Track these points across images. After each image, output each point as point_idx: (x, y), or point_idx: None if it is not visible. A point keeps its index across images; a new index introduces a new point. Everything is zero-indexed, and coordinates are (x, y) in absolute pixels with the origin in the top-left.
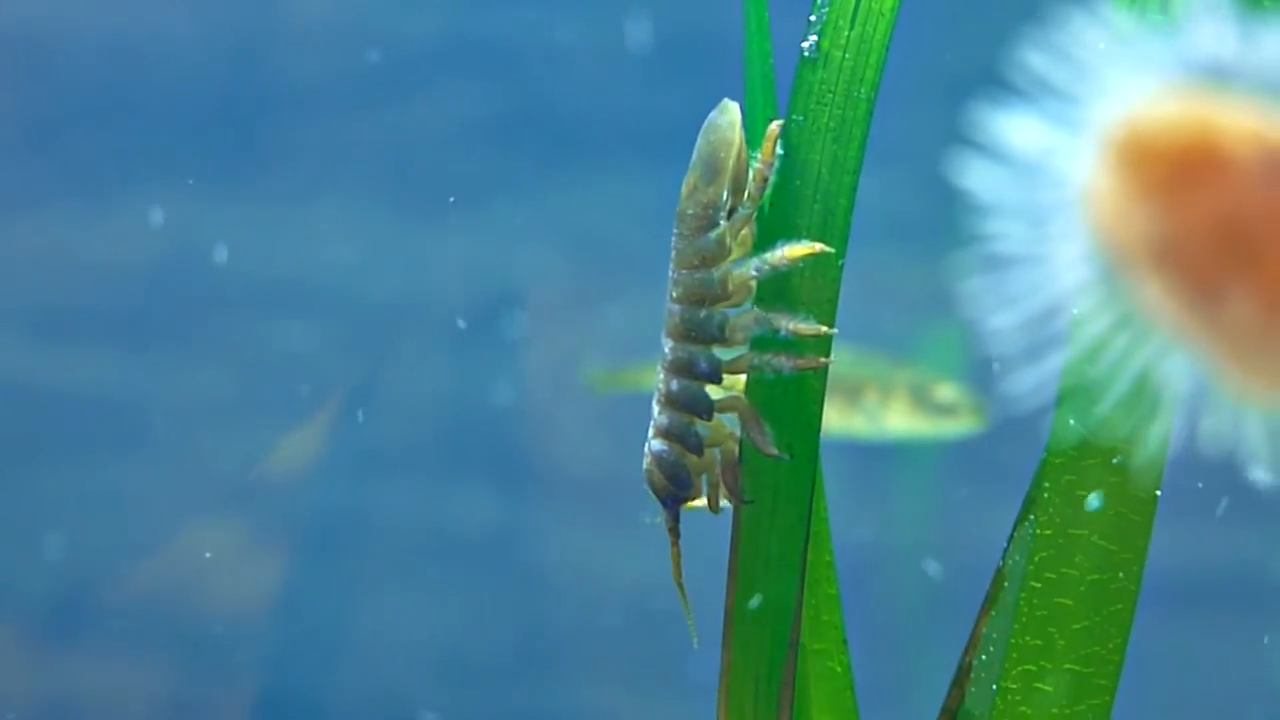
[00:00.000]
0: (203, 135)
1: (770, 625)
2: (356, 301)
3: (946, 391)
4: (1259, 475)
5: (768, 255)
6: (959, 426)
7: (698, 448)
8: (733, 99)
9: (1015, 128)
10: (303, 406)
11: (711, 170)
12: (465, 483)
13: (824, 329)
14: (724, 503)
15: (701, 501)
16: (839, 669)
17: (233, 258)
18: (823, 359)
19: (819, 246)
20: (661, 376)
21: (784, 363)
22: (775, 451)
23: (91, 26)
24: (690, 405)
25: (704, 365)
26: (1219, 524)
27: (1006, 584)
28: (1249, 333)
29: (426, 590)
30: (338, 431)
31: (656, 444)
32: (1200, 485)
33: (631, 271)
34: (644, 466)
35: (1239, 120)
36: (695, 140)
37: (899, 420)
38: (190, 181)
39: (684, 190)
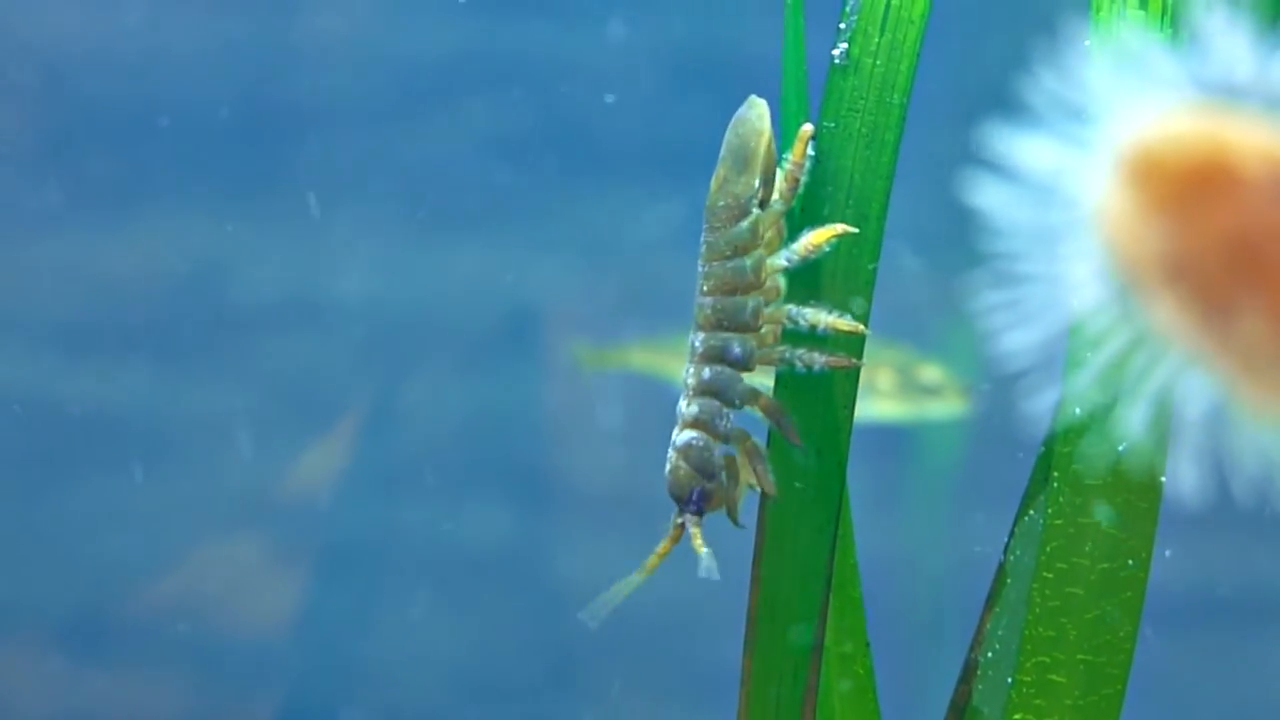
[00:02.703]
0: (222, 152)
1: (795, 630)
2: (374, 317)
3: (931, 372)
4: (1272, 491)
5: (795, 245)
6: (944, 408)
7: (726, 435)
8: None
9: (1028, 147)
10: (321, 423)
11: (741, 161)
12: (483, 499)
13: (858, 326)
14: (748, 508)
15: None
16: (861, 672)
17: (252, 274)
18: (854, 359)
19: (841, 228)
20: (690, 370)
21: (816, 357)
22: (800, 442)
23: (111, 45)
24: (722, 390)
25: (737, 350)
26: (1231, 540)
27: (1009, 580)
28: (1263, 349)
29: (444, 606)
30: (356, 448)
31: (684, 436)
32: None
33: (651, 287)
34: (666, 470)
35: (1251, 138)
36: (714, 156)
37: (884, 401)
38: (210, 198)
39: (713, 185)
